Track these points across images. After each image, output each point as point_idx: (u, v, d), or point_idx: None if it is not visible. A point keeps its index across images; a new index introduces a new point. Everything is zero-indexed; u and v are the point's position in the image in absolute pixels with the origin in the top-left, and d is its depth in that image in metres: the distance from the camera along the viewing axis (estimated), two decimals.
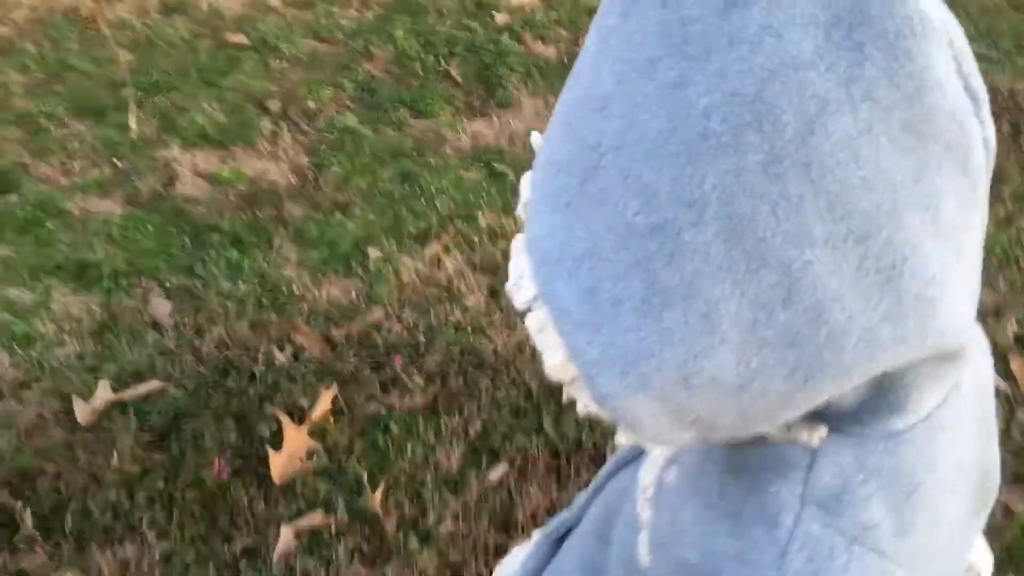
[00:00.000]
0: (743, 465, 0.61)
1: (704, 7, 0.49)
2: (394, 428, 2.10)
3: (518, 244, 0.57)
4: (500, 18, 3.72)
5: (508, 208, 2.80)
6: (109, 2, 3.67)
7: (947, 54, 0.49)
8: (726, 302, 0.50)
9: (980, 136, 0.51)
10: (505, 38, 3.59)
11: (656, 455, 0.70)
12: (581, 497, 0.93)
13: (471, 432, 2.12)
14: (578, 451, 2.10)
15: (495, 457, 2.08)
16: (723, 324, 0.51)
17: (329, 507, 1.95)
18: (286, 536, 1.86)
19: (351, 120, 3.11)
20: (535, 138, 0.63)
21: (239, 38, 3.48)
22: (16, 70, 3.25)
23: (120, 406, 2.08)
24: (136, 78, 3.23)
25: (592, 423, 2.14)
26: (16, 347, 2.23)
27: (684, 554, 0.63)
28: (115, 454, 1.93)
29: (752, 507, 0.59)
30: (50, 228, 2.61)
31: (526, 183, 0.59)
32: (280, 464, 1.97)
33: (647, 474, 0.70)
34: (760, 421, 0.56)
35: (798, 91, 0.46)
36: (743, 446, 0.61)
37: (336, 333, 2.32)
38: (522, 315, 0.59)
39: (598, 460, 2.09)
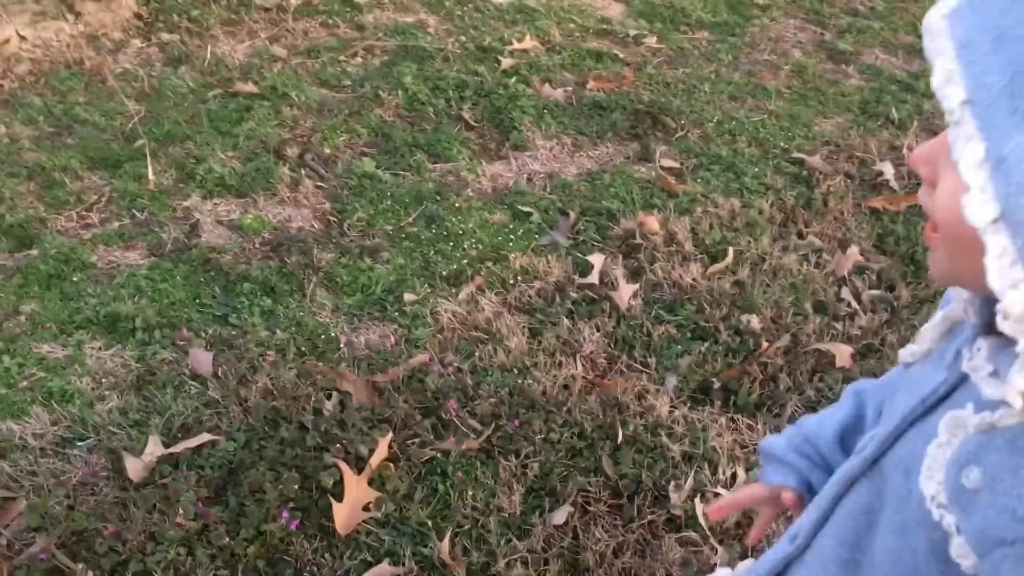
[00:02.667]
0: None
1: None
2: (452, 473, 2.06)
3: (974, 155, 0.59)
4: (505, 62, 3.74)
5: (537, 248, 2.80)
6: (113, 54, 3.64)
7: None
8: None
9: None
10: (513, 82, 3.61)
11: (934, 461, 0.71)
12: (797, 528, 0.91)
13: (529, 474, 2.09)
14: (639, 490, 2.07)
15: (556, 499, 2.05)
16: None
17: (395, 557, 1.90)
18: None
19: (369, 166, 3.10)
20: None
21: (248, 87, 3.46)
22: (24, 123, 3.19)
23: (171, 461, 2.02)
24: (148, 128, 3.20)
25: (649, 463, 2.12)
26: (54, 403, 2.16)
27: (1003, 535, 0.64)
28: (173, 510, 1.87)
29: None
30: (75, 281, 2.55)
31: (957, 75, 0.60)
32: (343, 515, 1.92)
33: (930, 483, 0.70)
34: None
35: None
36: None
37: (381, 379, 2.28)
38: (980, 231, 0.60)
39: (661, 500, 2.06)
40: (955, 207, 0.63)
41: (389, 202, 2.96)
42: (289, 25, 3.98)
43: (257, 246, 2.74)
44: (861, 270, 2.77)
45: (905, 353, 0.86)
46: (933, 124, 3.47)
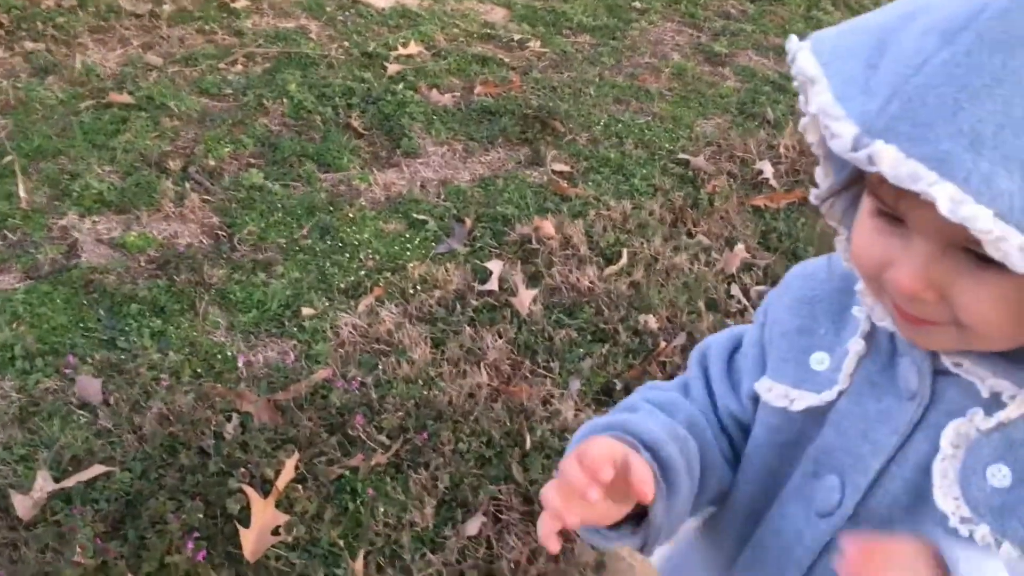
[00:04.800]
0: None
1: None
2: (362, 490, 2.03)
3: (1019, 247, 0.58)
4: (391, 68, 3.71)
5: (435, 257, 2.79)
6: None
7: None
8: None
9: None
10: (401, 88, 3.58)
11: (944, 478, 0.74)
12: None
13: (440, 486, 2.08)
14: None
15: (468, 509, 2.05)
16: None
17: None
18: None
19: (257, 177, 3.02)
20: (811, 63, 0.66)
21: (123, 97, 3.32)
22: None
23: (63, 496, 1.92)
24: (16, 144, 3.02)
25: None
26: None
27: None
28: (69, 548, 1.77)
29: None
30: None
31: (971, 204, 0.58)
32: (251, 540, 1.86)
33: (947, 500, 0.74)
34: None
35: None
36: None
37: (283, 397, 2.23)
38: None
39: None
40: (1001, 306, 0.65)
41: (280, 214, 2.89)
42: (163, 32, 3.83)
43: (143, 264, 2.63)
44: (748, 267, 2.87)
45: (810, 398, 0.84)
46: None
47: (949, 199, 0.58)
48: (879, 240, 0.70)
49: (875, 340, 0.81)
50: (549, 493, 0.76)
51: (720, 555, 0.96)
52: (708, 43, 4.31)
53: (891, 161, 0.59)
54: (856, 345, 0.82)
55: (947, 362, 0.75)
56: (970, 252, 0.64)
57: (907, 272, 0.67)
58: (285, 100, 3.42)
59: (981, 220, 0.57)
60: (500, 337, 2.50)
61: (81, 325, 2.40)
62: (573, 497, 0.74)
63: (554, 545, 0.75)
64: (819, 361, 0.85)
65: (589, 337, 2.54)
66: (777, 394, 0.86)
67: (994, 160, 0.57)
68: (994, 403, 0.72)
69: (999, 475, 0.71)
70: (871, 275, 0.73)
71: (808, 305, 0.88)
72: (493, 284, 2.66)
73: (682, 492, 0.85)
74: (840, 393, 0.82)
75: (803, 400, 0.84)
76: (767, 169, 3.32)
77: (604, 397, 2.36)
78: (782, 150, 3.44)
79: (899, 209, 0.67)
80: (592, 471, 0.73)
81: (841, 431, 0.82)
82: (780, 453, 0.88)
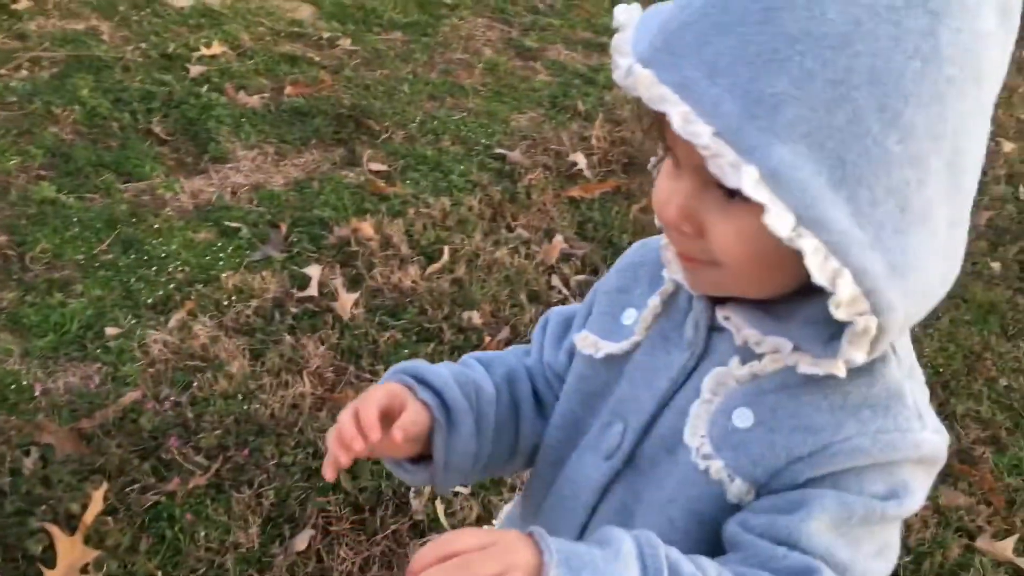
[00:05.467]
0: (857, 371, 0.75)
1: None
2: (180, 515, 1.93)
3: (750, 176, 0.64)
4: (194, 70, 3.55)
5: (250, 265, 2.68)
6: None
7: None
8: (943, 220, 0.68)
9: None
10: (205, 90, 3.43)
11: (698, 418, 0.81)
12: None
13: (265, 503, 2.00)
14: (380, 501, 2.06)
15: (296, 524, 1.99)
16: (938, 239, 0.68)
17: None
18: None
19: (48, 190, 2.81)
20: (628, 12, 0.73)
21: None
22: None
23: None
24: None
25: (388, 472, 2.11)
26: None
27: (797, 453, 0.76)
28: None
29: (880, 392, 0.76)
30: None
31: (693, 115, 0.65)
32: None
33: (695, 437, 0.80)
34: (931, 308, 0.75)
35: (989, 57, 0.67)
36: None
37: (88, 425, 2.09)
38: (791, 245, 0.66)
39: (402, 507, 2.06)
40: (743, 241, 0.70)
41: (77, 229, 2.71)
42: None
43: None
44: (567, 257, 2.92)
45: (609, 347, 0.90)
46: (615, 115, 3.74)
47: (681, 117, 0.65)
48: (664, 183, 0.77)
49: (676, 299, 0.87)
50: (330, 436, 0.86)
51: (532, 503, 1.01)
52: (519, 38, 4.36)
53: (645, 84, 0.68)
54: (654, 301, 0.89)
55: (720, 315, 0.81)
56: (722, 188, 0.70)
57: (671, 204, 0.74)
58: (77, 107, 3.20)
59: (703, 137, 0.64)
60: (323, 344, 2.44)
61: None
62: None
63: (330, 475, 0.87)
64: (628, 317, 0.91)
65: (414, 338, 2.52)
66: (587, 343, 0.93)
67: (723, 87, 0.64)
68: (750, 354, 0.79)
69: (742, 417, 0.78)
70: (659, 217, 0.79)
71: (632, 269, 0.95)
72: (312, 290, 2.59)
73: (462, 430, 0.92)
74: (636, 345, 0.89)
75: (605, 349, 0.90)
76: (581, 160, 3.40)
77: None
78: (594, 141, 3.53)
79: (673, 148, 0.74)
80: (364, 427, 0.83)
81: (633, 381, 0.88)
82: (584, 402, 0.94)
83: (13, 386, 2.17)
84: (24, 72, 3.40)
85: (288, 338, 2.42)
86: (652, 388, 0.85)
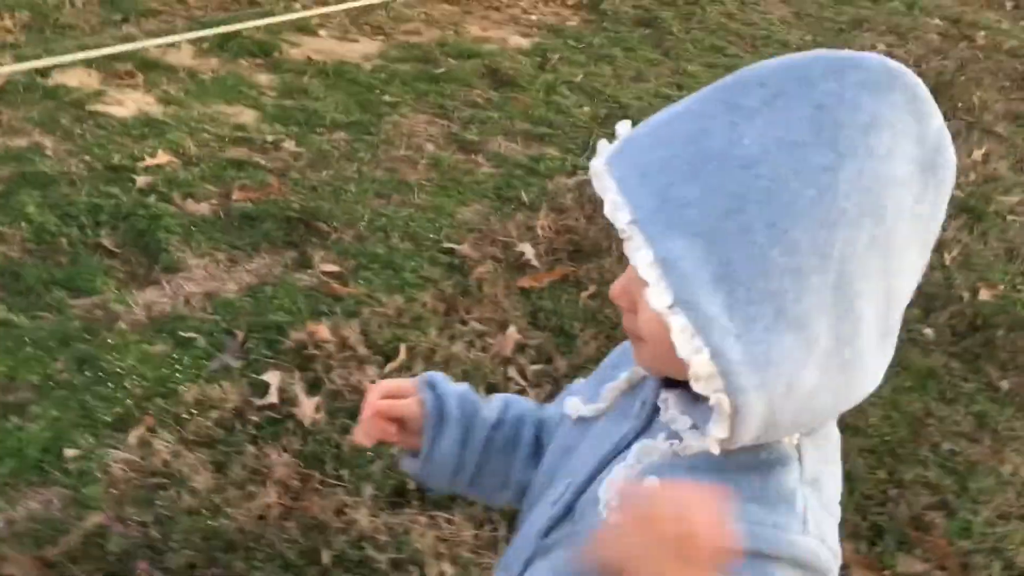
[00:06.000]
0: (753, 463, 0.84)
1: (851, 120, 0.75)
2: None
3: (646, 259, 0.77)
4: (141, 180, 3.58)
5: (208, 375, 2.69)
6: None
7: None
8: (824, 334, 0.76)
9: None
10: (153, 200, 3.46)
11: (616, 476, 0.90)
12: (508, 560, 1.05)
13: None
14: None
15: None
16: (817, 349, 0.76)
17: None
18: None
19: (0, 311, 2.80)
20: (623, 127, 0.87)
21: None
22: None
23: None
24: None
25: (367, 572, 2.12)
26: None
27: None
28: None
29: (771, 492, 0.83)
30: None
31: (622, 204, 0.79)
32: None
33: (609, 490, 0.89)
34: (813, 423, 0.84)
35: (896, 201, 0.76)
36: (754, 449, 0.83)
37: (52, 552, 2.06)
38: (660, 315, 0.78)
39: None
40: (654, 320, 0.80)
41: (31, 349, 2.69)
42: None
43: None
44: (522, 348, 2.99)
45: (583, 409, 1.03)
46: (558, 203, 3.86)
47: (611, 204, 0.80)
48: (625, 272, 0.88)
49: (645, 379, 0.98)
50: (357, 433, 1.12)
51: (512, 537, 1.14)
52: (460, 132, 4.49)
53: (597, 174, 0.83)
54: (622, 376, 1.00)
55: (661, 395, 0.92)
56: None
57: (616, 283, 0.88)
58: (24, 224, 3.20)
59: (620, 222, 0.79)
60: (286, 451, 2.45)
61: None
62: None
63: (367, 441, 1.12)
64: (605, 388, 1.03)
65: None
66: (571, 405, 1.06)
67: (648, 187, 0.79)
68: (676, 435, 0.89)
69: (649, 483, 0.86)
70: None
71: (626, 351, 1.04)
72: (273, 397, 2.61)
73: (448, 432, 1.11)
74: (602, 412, 1.01)
75: (580, 411, 1.04)
76: (528, 250, 3.49)
77: (398, 499, 2.37)
78: (539, 231, 3.63)
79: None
80: (364, 403, 1.10)
81: (590, 443, 1.00)
82: (559, 457, 1.06)
83: None
84: None
85: (250, 448, 2.42)
86: (598, 451, 0.96)
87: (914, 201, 0.78)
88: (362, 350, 2.84)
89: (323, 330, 2.89)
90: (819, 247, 0.74)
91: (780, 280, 0.74)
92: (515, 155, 4.32)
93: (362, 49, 5.27)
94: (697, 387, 0.78)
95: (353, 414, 2.60)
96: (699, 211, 0.75)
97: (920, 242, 0.80)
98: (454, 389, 1.14)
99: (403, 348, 2.86)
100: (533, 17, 6.14)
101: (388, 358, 2.84)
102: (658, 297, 0.76)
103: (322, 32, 5.42)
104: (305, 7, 5.56)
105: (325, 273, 3.23)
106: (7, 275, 2.99)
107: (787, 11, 6.96)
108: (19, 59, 4.33)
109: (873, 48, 5.79)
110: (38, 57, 4.38)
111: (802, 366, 0.76)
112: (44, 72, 4.30)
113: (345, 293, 3.13)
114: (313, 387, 2.69)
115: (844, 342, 0.77)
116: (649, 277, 0.76)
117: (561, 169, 4.20)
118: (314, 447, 2.47)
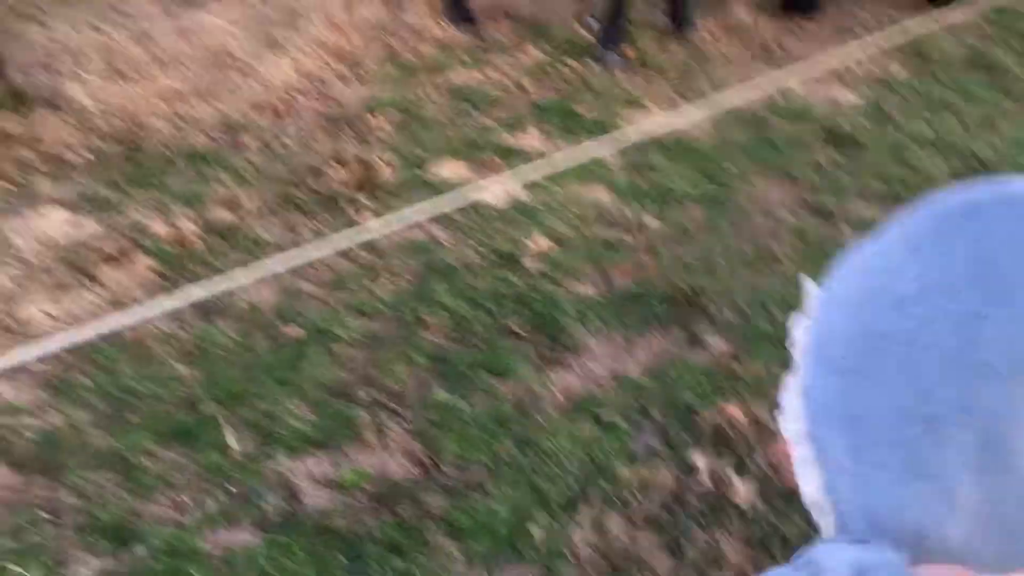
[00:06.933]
0: None
1: (1014, 256, 0.64)
2: None
3: (791, 383, 0.72)
4: (529, 264, 3.87)
5: (637, 457, 2.84)
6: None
7: None
8: (966, 489, 0.65)
9: None
10: (546, 284, 3.73)
11: None
12: None
13: None
14: None
15: None
16: (957, 504, 0.65)
17: None
18: None
19: (440, 395, 3.13)
20: (808, 285, 0.79)
21: (292, 330, 3.47)
22: (78, 407, 3.11)
23: None
24: (209, 391, 3.16)
25: None
26: None
27: None
28: None
29: None
30: (194, 575, 2.45)
31: (800, 329, 0.73)
32: None
33: None
34: None
35: None
36: None
37: None
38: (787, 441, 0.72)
39: None
40: None
41: (475, 431, 2.98)
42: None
43: (363, 502, 2.71)
44: None
45: None
46: None
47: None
48: None
49: None
50: None
51: None
52: (812, 197, 4.47)
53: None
54: None
55: None
56: None
57: None
58: (442, 312, 3.56)
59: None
60: (731, 535, 2.53)
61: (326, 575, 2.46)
62: None
63: None
64: None
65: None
66: None
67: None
68: None
69: None
70: None
71: None
72: (705, 479, 2.71)
73: None
74: None
75: None
76: None
77: None
78: None
79: None
80: None
81: None
82: None
83: None
84: (386, 282, 3.82)
85: (699, 531, 2.53)
86: None
87: None
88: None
89: (735, 410, 2.97)
90: (960, 398, 0.65)
91: (912, 427, 0.66)
92: (876, 219, 4.23)
93: (691, 117, 5.40)
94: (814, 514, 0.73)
95: (785, 497, 2.65)
96: (845, 347, 0.68)
97: None
98: None
99: None
100: (857, 71, 6.02)
101: None
102: (792, 424, 0.71)
103: (646, 102, 5.62)
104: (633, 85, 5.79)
105: (719, 352, 3.32)
106: (438, 360, 3.34)
107: None
108: (398, 155, 4.84)
109: None
110: (412, 153, 4.88)
111: (940, 518, 0.67)
112: (418, 163, 4.78)
113: (743, 372, 3.20)
114: (739, 468, 2.77)
115: (1006, 504, 0.67)
116: (787, 402, 0.72)
117: None
118: (756, 531, 2.53)
